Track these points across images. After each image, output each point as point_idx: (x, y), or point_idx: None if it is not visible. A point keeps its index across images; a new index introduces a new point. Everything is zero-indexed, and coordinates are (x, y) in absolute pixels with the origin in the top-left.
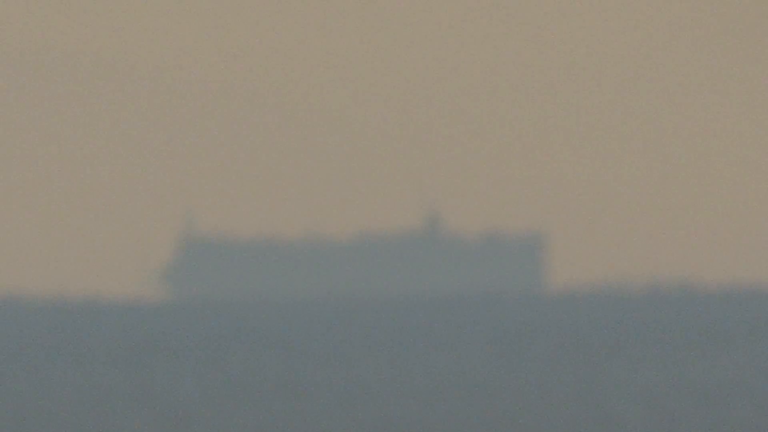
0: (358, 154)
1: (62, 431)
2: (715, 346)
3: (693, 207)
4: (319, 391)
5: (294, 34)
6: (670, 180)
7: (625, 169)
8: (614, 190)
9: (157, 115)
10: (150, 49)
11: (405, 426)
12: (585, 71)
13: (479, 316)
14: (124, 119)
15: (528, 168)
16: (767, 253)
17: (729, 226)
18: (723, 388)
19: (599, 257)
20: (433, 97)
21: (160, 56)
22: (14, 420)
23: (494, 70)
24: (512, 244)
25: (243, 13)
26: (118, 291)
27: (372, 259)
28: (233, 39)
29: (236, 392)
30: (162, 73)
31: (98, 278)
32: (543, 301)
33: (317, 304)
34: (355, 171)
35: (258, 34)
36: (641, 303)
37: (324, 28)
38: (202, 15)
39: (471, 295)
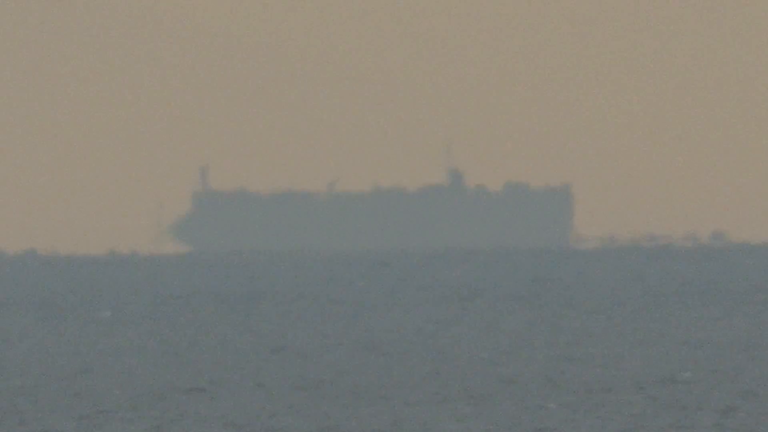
0: (378, 107)
1: (91, 378)
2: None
3: (712, 162)
4: (344, 344)
5: None
6: (693, 136)
7: (650, 124)
8: (637, 146)
9: (171, 70)
10: (171, 1)
11: (430, 374)
12: (619, 24)
13: (502, 269)
14: (137, 73)
15: (551, 122)
16: None
17: (755, 184)
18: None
19: (621, 212)
20: (455, 51)
21: (182, 7)
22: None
23: (518, 21)
24: (535, 198)
25: None
26: (134, 247)
27: (394, 213)
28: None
29: (257, 345)
30: (180, 24)
31: (114, 234)
32: (565, 254)
33: (339, 258)
34: (376, 125)
35: None
36: (662, 257)
37: None
38: None
39: (494, 248)
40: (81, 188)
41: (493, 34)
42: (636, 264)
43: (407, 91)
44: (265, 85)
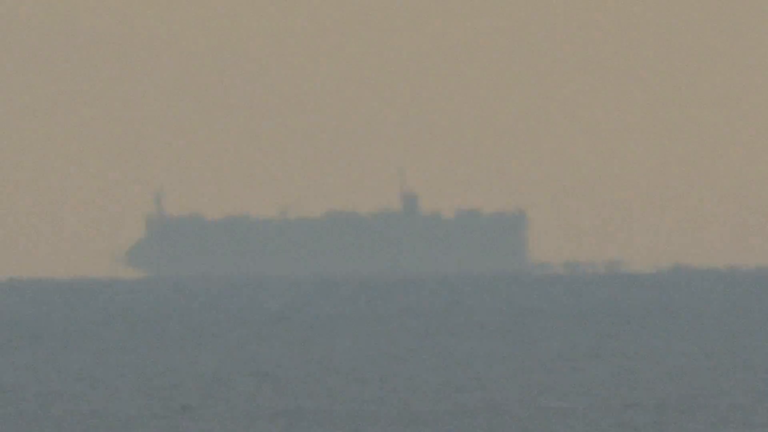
0: (331, 132)
1: (51, 403)
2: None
3: (665, 190)
4: (291, 370)
5: (266, 12)
6: (647, 163)
7: (603, 151)
8: (591, 172)
9: (126, 96)
10: (111, 24)
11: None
12: (560, 55)
13: (456, 294)
14: (91, 98)
15: (506, 148)
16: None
17: (710, 210)
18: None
19: (575, 237)
20: (410, 75)
21: (123, 32)
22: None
23: (470, 49)
24: (489, 224)
25: None
26: (90, 271)
27: (347, 237)
28: (199, 16)
29: (208, 365)
30: (136, 50)
31: (69, 259)
32: (519, 279)
33: (291, 282)
34: (329, 150)
35: (231, 11)
36: (612, 282)
37: (297, 5)
38: None
39: (447, 273)
40: (34, 214)
41: (447, 61)
42: (595, 289)
43: (360, 117)
44: (219, 111)
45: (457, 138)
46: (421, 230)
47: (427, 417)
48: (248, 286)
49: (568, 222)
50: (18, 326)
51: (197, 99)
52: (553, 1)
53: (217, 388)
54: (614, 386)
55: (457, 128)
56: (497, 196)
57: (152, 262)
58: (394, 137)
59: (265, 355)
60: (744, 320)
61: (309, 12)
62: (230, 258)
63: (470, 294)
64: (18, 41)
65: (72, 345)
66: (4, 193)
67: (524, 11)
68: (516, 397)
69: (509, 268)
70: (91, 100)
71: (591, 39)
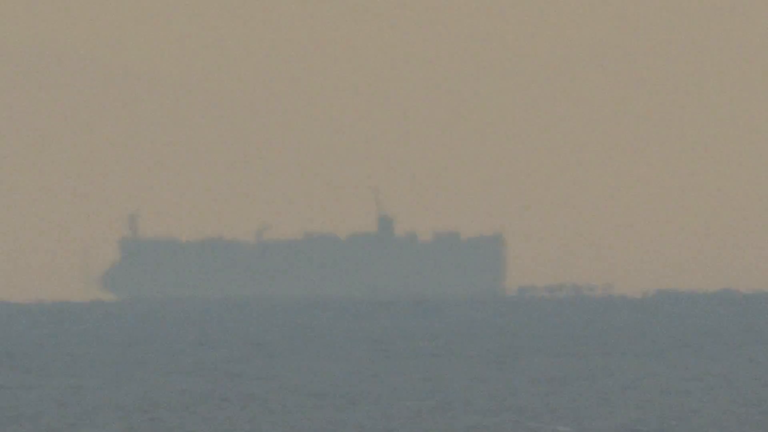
0: (310, 154)
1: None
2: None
3: (645, 214)
4: (270, 392)
5: (239, 37)
6: (625, 187)
7: (582, 173)
8: (570, 194)
9: (101, 118)
10: (84, 50)
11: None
12: (540, 78)
13: (433, 316)
14: (65, 121)
15: (484, 171)
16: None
17: (685, 234)
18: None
19: (553, 260)
20: (389, 98)
21: (98, 59)
22: None
23: (449, 69)
24: (466, 247)
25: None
26: (61, 295)
27: (324, 260)
28: (172, 44)
29: (186, 385)
30: (110, 73)
31: (41, 282)
32: (497, 302)
33: (267, 304)
34: (309, 171)
35: (204, 39)
36: (590, 306)
37: (272, 23)
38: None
39: (424, 295)
40: (8, 237)
41: (425, 85)
42: (575, 312)
43: (338, 139)
44: (194, 134)
45: (435, 161)
46: (398, 252)
47: None
48: (224, 309)
49: (546, 245)
50: None
51: (173, 122)
52: (525, 25)
53: (194, 410)
54: (598, 409)
55: (435, 151)
56: (475, 219)
57: (127, 285)
58: (371, 160)
59: (245, 377)
60: (723, 343)
61: (283, 37)
62: (206, 281)
63: (448, 316)
64: None
65: (47, 367)
66: None
67: (500, 34)
68: (506, 420)
69: (487, 291)
70: (65, 124)
71: (571, 60)
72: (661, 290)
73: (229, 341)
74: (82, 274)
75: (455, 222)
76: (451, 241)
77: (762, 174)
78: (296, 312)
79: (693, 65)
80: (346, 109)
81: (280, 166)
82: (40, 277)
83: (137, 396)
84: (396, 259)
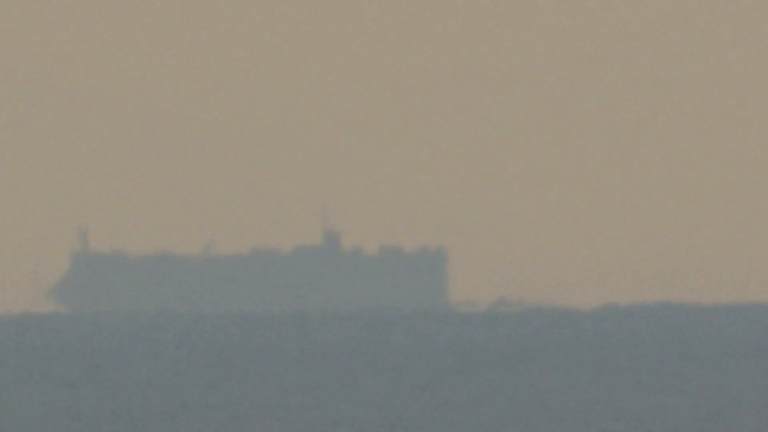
0: (257, 169)
1: None
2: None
3: (587, 227)
4: (209, 407)
5: (185, 50)
6: (568, 199)
7: (522, 187)
8: (512, 208)
9: (50, 130)
10: (40, 57)
11: None
12: (488, 89)
13: (375, 332)
14: (17, 132)
15: (426, 185)
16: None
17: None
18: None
19: (495, 275)
20: (332, 110)
21: (50, 66)
22: None
23: (391, 82)
24: (410, 261)
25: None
26: (10, 307)
27: (269, 274)
28: (118, 55)
29: (129, 402)
30: (59, 84)
31: None
32: (439, 317)
33: (213, 318)
34: (253, 186)
35: (150, 50)
36: (532, 321)
37: (221, 36)
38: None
39: (368, 311)
40: None
41: (368, 95)
42: (516, 326)
43: (283, 154)
44: (142, 148)
45: (380, 175)
46: (343, 267)
47: None
48: (170, 323)
49: (489, 259)
50: None
51: (122, 138)
52: (466, 37)
53: (131, 425)
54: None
55: (379, 165)
56: (419, 233)
57: (76, 298)
58: (316, 174)
59: (184, 391)
60: (663, 356)
61: (231, 52)
62: (154, 295)
63: (392, 331)
64: None
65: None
66: None
67: (442, 46)
68: None
69: (430, 305)
70: (15, 137)
71: (524, 71)
72: (613, 304)
73: (168, 354)
74: (33, 287)
75: (399, 236)
76: (395, 255)
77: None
78: (235, 325)
79: (658, 80)
80: (292, 124)
81: (227, 181)
82: None
83: (67, 409)
84: (341, 273)
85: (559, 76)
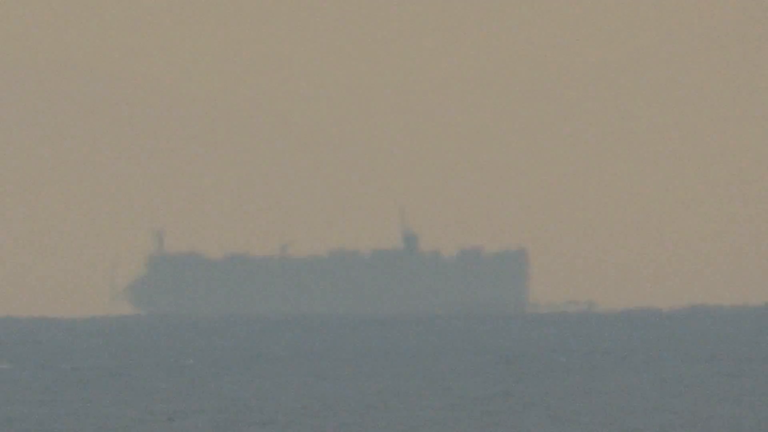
0: (336, 171)
1: None
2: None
3: (671, 232)
4: (292, 412)
5: (263, 55)
6: (651, 203)
7: (605, 190)
8: (593, 210)
9: (129, 135)
10: (117, 62)
11: None
12: (561, 94)
13: (456, 334)
14: (93, 137)
15: (508, 187)
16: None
17: (712, 248)
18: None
19: (576, 276)
20: (413, 113)
21: (126, 70)
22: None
23: (470, 89)
24: (490, 263)
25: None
26: (87, 310)
27: (348, 276)
28: (197, 62)
29: (206, 404)
30: (136, 90)
31: (67, 297)
32: (519, 319)
33: (291, 321)
34: (333, 188)
35: (229, 58)
36: (614, 323)
37: (300, 43)
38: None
39: (448, 313)
40: (35, 250)
41: (448, 98)
42: (595, 327)
43: (363, 156)
44: (220, 150)
45: (459, 177)
46: (422, 269)
47: None
48: (247, 325)
49: (569, 260)
50: (21, 361)
51: (199, 138)
52: (550, 40)
53: (216, 426)
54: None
55: (458, 167)
56: (498, 235)
57: (152, 299)
58: (395, 177)
59: (268, 395)
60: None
61: (308, 53)
62: (230, 296)
63: (472, 333)
64: (20, 81)
65: (69, 380)
66: (5, 230)
67: (522, 47)
68: None
69: (510, 307)
70: (93, 140)
71: (592, 76)
72: (697, 306)
73: (247, 357)
74: (109, 289)
75: (479, 238)
76: (474, 257)
77: None
78: (312, 328)
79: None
80: (372, 126)
81: (305, 183)
82: (67, 292)
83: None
84: (420, 275)
85: (649, 78)
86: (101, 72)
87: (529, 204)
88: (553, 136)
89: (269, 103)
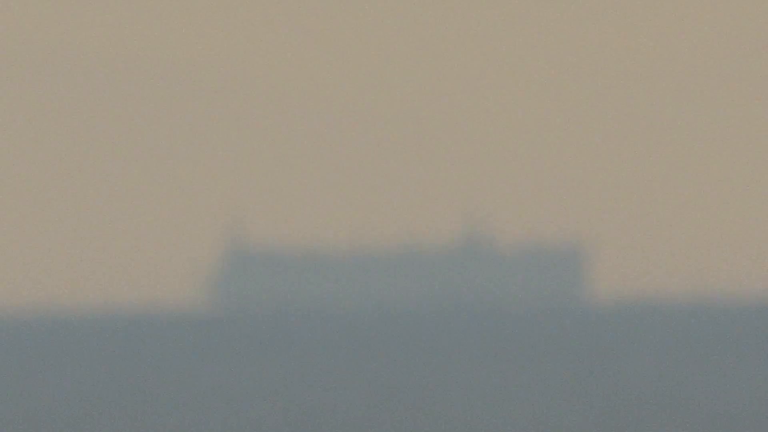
0: (399, 162)
1: None
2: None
3: (741, 218)
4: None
5: (339, 40)
6: (718, 192)
7: (669, 179)
8: (657, 199)
9: (203, 125)
10: (219, 56)
11: None
12: (636, 77)
13: (518, 327)
14: (172, 127)
15: (570, 176)
16: None
17: None
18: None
19: (640, 267)
20: (476, 105)
21: (229, 65)
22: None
23: (538, 75)
24: (553, 254)
25: (284, 16)
26: (169, 301)
27: (412, 268)
28: (276, 45)
29: (285, 400)
30: (210, 81)
31: (148, 288)
32: (584, 311)
33: (358, 313)
34: (397, 180)
35: (297, 40)
36: (680, 314)
37: (365, 32)
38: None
39: (511, 305)
40: (119, 240)
41: (512, 86)
42: (671, 320)
43: (427, 146)
44: (297, 142)
45: (525, 165)
46: (487, 261)
47: None
48: (318, 317)
49: (636, 252)
50: (92, 353)
51: (281, 131)
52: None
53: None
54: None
55: (524, 159)
56: (563, 226)
57: (234, 292)
58: (460, 168)
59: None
60: None
61: (399, 54)
62: (306, 289)
63: (542, 326)
64: (97, 70)
65: (135, 374)
66: (89, 220)
67: (597, 35)
68: None
69: (578, 299)
70: (171, 129)
71: (669, 67)
72: None
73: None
74: (188, 280)
75: (543, 229)
76: (539, 249)
77: None
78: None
79: None
80: (437, 118)
81: (375, 175)
82: (150, 282)
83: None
84: (485, 267)
85: (735, 72)
86: (181, 63)
87: (594, 195)
88: (621, 127)
89: (335, 100)
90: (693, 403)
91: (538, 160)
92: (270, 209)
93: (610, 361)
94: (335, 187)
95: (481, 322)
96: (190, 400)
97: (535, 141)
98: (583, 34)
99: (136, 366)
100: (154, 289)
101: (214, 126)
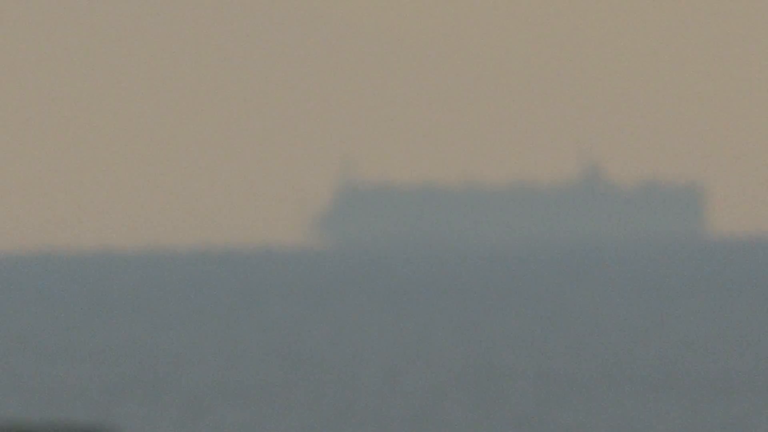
0: (517, 102)
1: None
2: None
3: None
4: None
5: None
6: None
7: None
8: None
9: (312, 65)
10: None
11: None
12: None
13: (636, 263)
14: (283, 67)
15: (688, 119)
16: None
17: None
18: None
19: (754, 208)
20: (591, 46)
21: (308, 5)
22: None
23: (652, 24)
24: (667, 194)
25: None
26: (279, 238)
27: (530, 207)
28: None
29: (394, 333)
30: (323, 22)
31: (260, 227)
32: (700, 248)
33: (475, 251)
34: (514, 119)
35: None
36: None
37: None
38: None
39: (629, 242)
40: (223, 180)
41: (632, 33)
42: None
43: (540, 86)
44: (407, 80)
45: (637, 109)
46: (601, 200)
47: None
48: (426, 256)
49: (749, 192)
50: (199, 294)
51: (386, 68)
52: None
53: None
54: None
55: (638, 98)
56: (678, 166)
57: (342, 229)
58: (575, 107)
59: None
60: None
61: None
62: (418, 225)
63: (648, 261)
64: (192, 43)
65: (252, 314)
66: (195, 161)
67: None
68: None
69: (687, 238)
70: (283, 69)
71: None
72: None
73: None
74: (299, 218)
75: (658, 169)
76: (653, 188)
77: None
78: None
79: None
80: (550, 60)
81: (488, 112)
82: (257, 221)
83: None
84: (599, 206)
85: None
86: (300, 10)
87: (708, 136)
88: (730, 69)
89: (454, 38)
90: None
91: (655, 103)
92: (384, 147)
93: (726, 296)
94: (451, 125)
95: (597, 260)
96: (312, 335)
97: (652, 84)
98: None
99: (252, 300)
100: (273, 227)
101: (326, 66)
